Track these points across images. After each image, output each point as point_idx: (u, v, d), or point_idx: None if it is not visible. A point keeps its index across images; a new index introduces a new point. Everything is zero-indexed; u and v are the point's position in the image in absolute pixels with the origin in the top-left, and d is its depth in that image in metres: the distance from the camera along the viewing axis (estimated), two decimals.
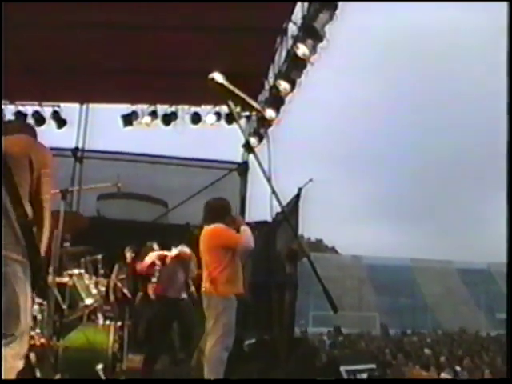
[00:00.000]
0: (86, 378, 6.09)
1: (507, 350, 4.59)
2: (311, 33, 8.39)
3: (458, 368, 15.95)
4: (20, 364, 3.69)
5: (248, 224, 6.67)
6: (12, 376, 3.63)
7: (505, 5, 3.43)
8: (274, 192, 2.86)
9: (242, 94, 2.82)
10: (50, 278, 5.78)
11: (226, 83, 2.80)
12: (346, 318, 41.49)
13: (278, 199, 2.86)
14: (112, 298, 8.50)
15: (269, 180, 2.86)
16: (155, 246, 8.58)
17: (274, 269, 10.94)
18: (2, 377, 3.50)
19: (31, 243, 3.70)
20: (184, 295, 8.10)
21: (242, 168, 13.11)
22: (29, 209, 3.76)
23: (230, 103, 2.91)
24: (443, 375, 13.24)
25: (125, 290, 8.39)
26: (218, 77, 2.80)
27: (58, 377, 5.87)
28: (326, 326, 37.96)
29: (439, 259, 58.65)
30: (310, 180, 9.16)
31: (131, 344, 7.65)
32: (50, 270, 5.78)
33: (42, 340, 5.86)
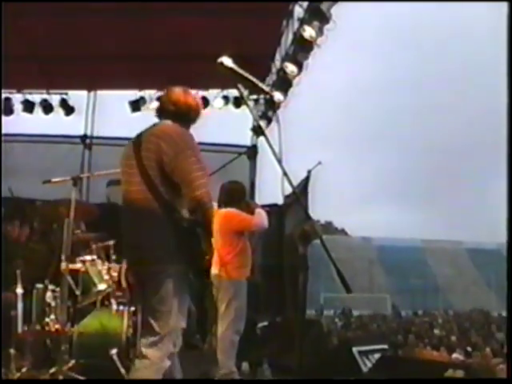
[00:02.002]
0: (100, 363, 6.13)
1: (507, 349, 4.61)
2: (317, 14, 8.38)
3: (469, 348, 15.94)
4: (167, 363, 3.85)
5: (261, 207, 6.69)
6: (159, 376, 3.79)
7: (505, 4, 3.42)
8: (285, 174, 2.88)
9: (251, 77, 2.83)
10: (62, 265, 5.81)
11: (235, 67, 2.81)
12: (356, 300, 41.64)
13: (289, 181, 2.88)
14: (124, 283, 8.51)
15: (280, 162, 2.86)
16: None
17: (286, 251, 10.96)
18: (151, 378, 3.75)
19: (190, 248, 3.82)
20: None
21: (251, 151, 13.10)
22: (184, 211, 3.87)
23: (240, 87, 2.92)
24: (454, 356, 13.26)
25: None
26: (226, 61, 2.81)
27: (72, 362, 5.92)
28: (336, 308, 38.12)
29: (450, 240, 58.65)
30: (319, 163, 9.16)
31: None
32: (63, 257, 5.81)
33: (57, 326, 5.92)
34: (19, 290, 5.79)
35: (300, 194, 9.70)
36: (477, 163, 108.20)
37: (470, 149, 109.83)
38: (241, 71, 2.82)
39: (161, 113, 4.17)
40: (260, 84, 2.94)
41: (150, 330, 3.82)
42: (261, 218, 6.28)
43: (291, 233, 10.42)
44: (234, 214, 6.27)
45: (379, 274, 53.70)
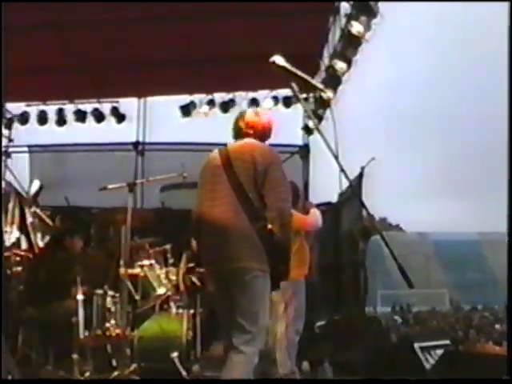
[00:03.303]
0: (161, 366, 6.18)
1: (507, 350, 4.51)
2: (364, 9, 8.31)
3: None
4: (256, 359, 4.12)
5: (316, 206, 6.67)
6: (251, 371, 4.09)
7: (505, 5, 3.35)
8: (342, 170, 2.87)
9: (303, 75, 2.82)
10: (121, 270, 5.89)
11: (287, 65, 2.80)
12: (414, 296, 41.16)
13: (346, 176, 2.89)
14: (182, 286, 8.56)
15: (336, 158, 2.86)
16: None
17: (345, 248, 10.90)
18: (243, 375, 4.02)
19: (271, 252, 4.06)
20: None
21: (304, 151, 13.03)
22: (264, 222, 4.08)
23: (294, 85, 2.91)
24: None
25: (194, 279, 8.42)
26: (279, 60, 2.81)
27: (134, 366, 5.99)
28: (394, 304, 37.73)
29: (504, 231, 57.58)
30: (373, 158, 9.11)
31: (210, 332, 7.66)
32: (121, 262, 5.88)
33: (118, 331, 6.01)
34: (80, 297, 5.90)
35: (353, 191, 9.66)
36: None
37: None
38: (293, 69, 2.82)
39: (239, 135, 4.53)
40: (313, 81, 2.93)
41: (240, 329, 4.07)
42: (315, 217, 6.27)
43: (349, 229, 10.35)
44: None
45: (436, 269, 53.00)
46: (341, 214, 11.25)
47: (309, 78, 2.87)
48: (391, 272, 50.69)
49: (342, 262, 11.07)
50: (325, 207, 9.42)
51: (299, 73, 2.83)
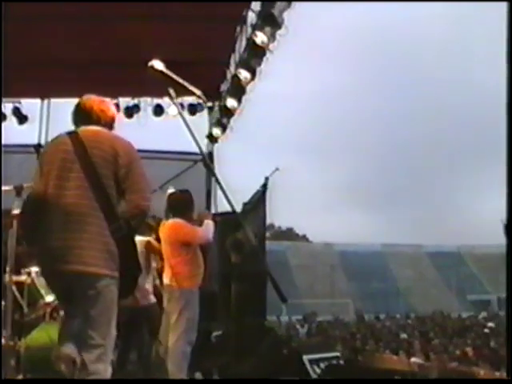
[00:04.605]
0: (49, 378, 5.99)
1: (507, 350, 4.61)
2: (269, 20, 8.34)
3: (430, 353, 16.03)
4: (109, 374, 3.80)
5: (214, 215, 6.64)
6: None
7: (505, 5, 3.41)
8: (224, 194, 2.85)
9: (181, 80, 2.77)
10: (6, 277, 5.66)
11: (164, 70, 2.75)
12: (319, 306, 41.80)
13: (227, 199, 2.84)
14: None
15: (218, 182, 2.82)
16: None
17: (248, 258, 10.89)
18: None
19: (125, 256, 3.80)
20: (153, 299, 7.31)
21: (207, 158, 12.99)
22: (122, 221, 3.80)
23: (171, 90, 2.86)
24: (413, 360, 13.31)
25: None
26: (157, 64, 2.75)
27: (20, 377, 5.78)
28: (299, 314, 38.15)
29: (410, 243, 59.21)
30: (277, 169, 9.16)
31: None
32: (7, 268, 5.66)
33: (2, 340, 5.76)
34: None
35: (258, 200, 9.68)
36: (437, 169, 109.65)
37: (430, 155, 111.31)
38: (170, 74, 2.77)
39: (85, 121, 4.14)
40: (191, 87, 2.88)
41: (91, 343, 3.72)
42: (206, 230, 6.23)
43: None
44: (179, 226, 6.21)
45: (341, 279, 53.89)
46: (243, 224, 11.22)
47: (186, 84, 2.82)
48: (296, 282, 51.50)
49: (243, 272, 11.04)
50: (223, 217, 9.37)
51: (176, 78, 2.78)
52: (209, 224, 6.26)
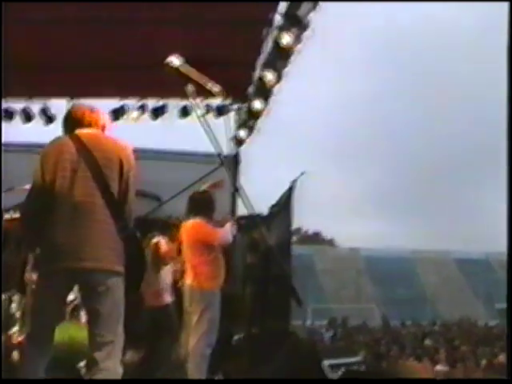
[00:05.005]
0: (67, 376, 6.00)
1: (507, 350, 4.52)
2: (294, 21, 8.31)
3: (456, 361, 15.82)
4: (121, 370, 3.84)
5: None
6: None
7: (505, 5, 3.37)
8: (242, 199, 2.81)
9: (197, 78, 2.72)
10: (27, 275, 5.69)
11: (181, 67, 2.70)
12: (344, 311, 41.54)
13: (245, 204, 2.80)
14: None
15: (237, 190, 2.79)
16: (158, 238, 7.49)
17: (271, 261, 10.86)
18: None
19: (131, 253, 3.84)
20: (166, 300, 7.27)
21: (233, 161, 12.97)
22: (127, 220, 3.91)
23: (188, 89, 2.82)
24: (438, 367, 13.15)
25: None
26: (175, 61, 2.71)
27: None
28: (325, 318, 38.00)
29: (437, 249, 58.65)
30: (303, 173, 9.12)
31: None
32: (28, 267, 5.69)
33: (19, 339, 5.79)
34: None
35: (284, 203, 9.64)
36: (463, 174, 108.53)
37: (458, 159, 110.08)
38: (187, 71, 2.72)
39: (81, 125, 4.15)
40: (208, 85, 2.83)
41: (100, 341, 3.78)
42: (226, 231, 6.20)
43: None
44: (199, 226, 6.21)
45: (367, 285, 53.56)
46: (270, 227, 11.22)
47: (203, 82, 2.77)
48: (323, 286, 51.31)
49: (268, 275, 11.01)
50: (246, 221, 9.33)
51: (193, 75, 2.73)
52: (227, 226, 6.24)
